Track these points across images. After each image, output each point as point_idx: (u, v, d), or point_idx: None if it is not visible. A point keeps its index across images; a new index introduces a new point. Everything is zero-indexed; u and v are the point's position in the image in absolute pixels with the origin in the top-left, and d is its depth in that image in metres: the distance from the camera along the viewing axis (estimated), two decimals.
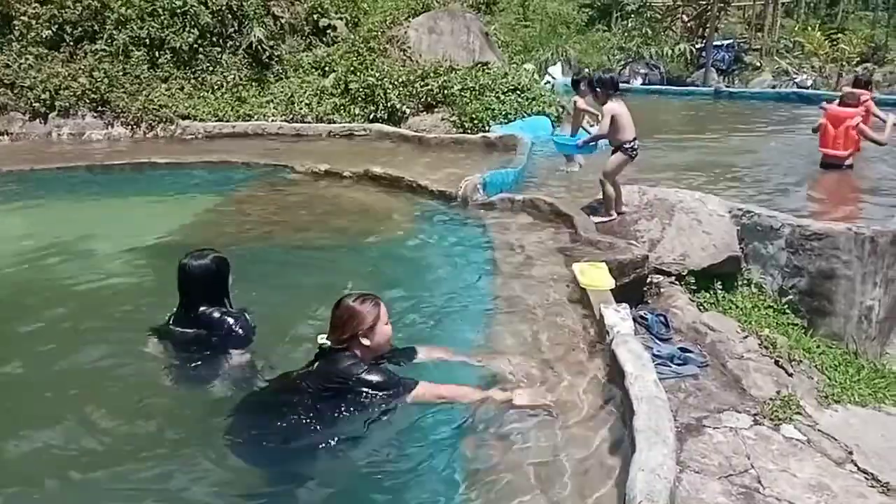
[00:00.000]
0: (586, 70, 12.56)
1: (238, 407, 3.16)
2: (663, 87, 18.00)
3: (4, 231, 6.53)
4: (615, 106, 5.64)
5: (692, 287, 5.30)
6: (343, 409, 3.04)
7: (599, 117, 5.89)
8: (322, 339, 3.19)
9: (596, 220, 5.79)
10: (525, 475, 2.79)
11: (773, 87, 18.18)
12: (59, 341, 4.09)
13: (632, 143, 5.73)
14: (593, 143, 6.11)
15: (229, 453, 2.97)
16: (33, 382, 3.67)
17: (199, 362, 3.64)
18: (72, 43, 11.09)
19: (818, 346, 5.00)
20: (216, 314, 3.65)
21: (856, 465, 3.49)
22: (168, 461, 3.04)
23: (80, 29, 11.07)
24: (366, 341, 3.15)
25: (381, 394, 3.05)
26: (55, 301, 4.75)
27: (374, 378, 3.07)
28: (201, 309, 3.65)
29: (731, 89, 16.75)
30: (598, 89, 5.77)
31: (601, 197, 5.99)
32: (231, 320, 3.64)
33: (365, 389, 3.05)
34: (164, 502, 2.85)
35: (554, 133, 9.86)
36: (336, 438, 2.99)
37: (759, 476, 3.34)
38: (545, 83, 13.39)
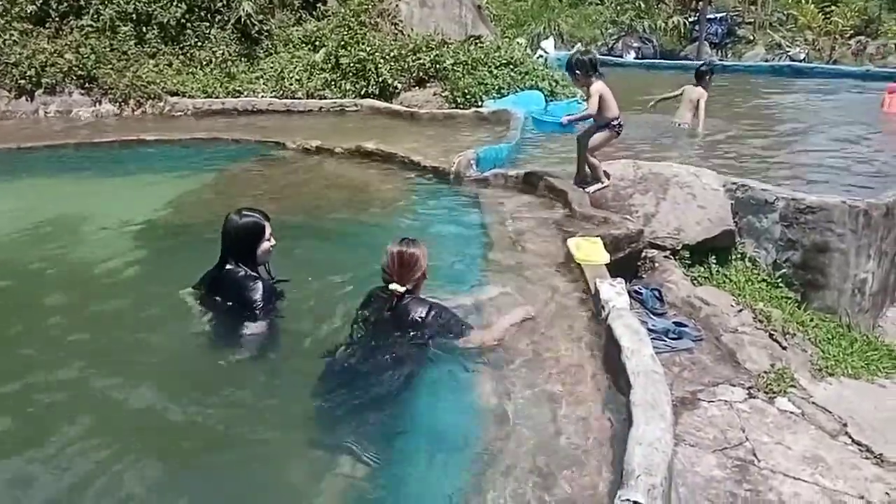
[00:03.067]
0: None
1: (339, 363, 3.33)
2: (656, 61, 17.91)
3: None
4: (600, 85, 5.65)
5: (686, 261, 5.29)
6: (412, 350, 3.35)
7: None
8: (395, 287, 3.46)
9: (591, 189, 5.76)
10: (523, 449, 2.78)
11: (767, 60, 18.12)
12: (55, 319, 4.04)
13: (618, 120, 5.78)
14: (577, 122, 5.97)
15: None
16: (34, 362, 3.61)
17: (217, 322, 3.77)
18: (57, 18, 10.89)
19: (812, 320, 5.02)
20: (240, 273, 3.72)
21: (850, 437, 3.52)
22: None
23: (65, 4, 10.88)
24: (425, 281, 3.56)
25: (450, 335, 3.42)
26: (47, 280, 4.71)
27: (451, 319, 3.46)
28: (227, 267, 3.75)
29: (724, 63, 16.66)
30: (577, 72, 5.70)
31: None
32: (249, 283, 3.69)
33: (441, 331, 3.41)
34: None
35: (547, 108, 9.77)
36: (413, 380, 3.25)
37: (754, 449, 3.37)
38: (538, 57, 13.29)
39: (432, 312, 3.42)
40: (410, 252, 3.50)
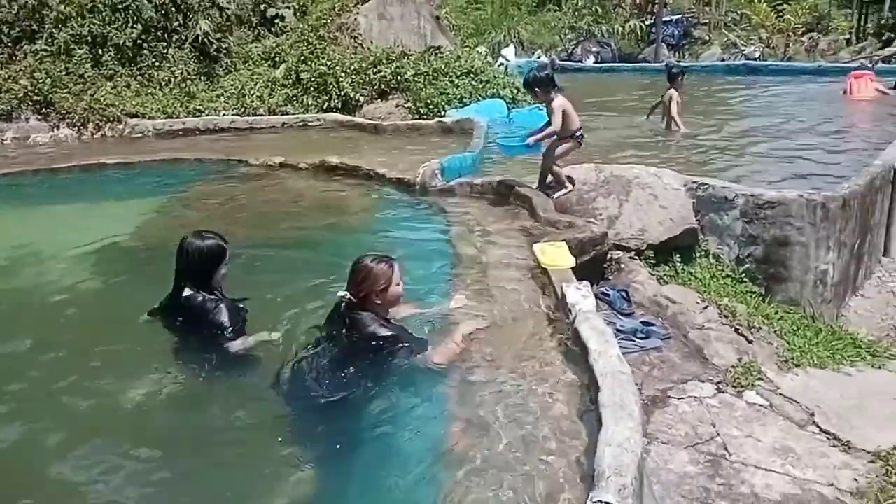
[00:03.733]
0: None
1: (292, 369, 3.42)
2: (616, 65, 18.16)
3: None
4: (561, 100, 5.70)
5: (651, 261, 5.36)
6: (367, 364, 3.37)
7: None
8: (341, 293, 3.54)
9: (557, 194, 5.80)
10: (495, 453, 2.78)
11: (723, 59, 18.46)
12: (19, 349, 3.95)
13: (580, 131, 5.88)
14: (542, 141, 5.93)
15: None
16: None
17: (184, 344, 3.76)
18: (10, 44, 10.72)
19: (776, 313, 5.10)
20: (199, 298, 3.66)
21: (818, 426, 3.58)
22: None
23: (17, 29, 10.73)
24: (377, 300, 3.50)
25: (408, 355, 3.42)
26: (9, 309, 4.62)
27: (390, 335, 3.43)
28: (186, 293, 3.68)
29: (682, 64, 16.93)
30: (537, 89, 5.72)
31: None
32: (213, 307, 3.65)
33: (385, 346, 3.41)
34: None
35: (510, 116, 9.86)
36: (359, 391, 3.27)
37: (725, 443, 3.41)
38: (499, 65, 13.40)
39: (385, 332, 3.44)
40: (364, 264, 3.55)
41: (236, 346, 3.62)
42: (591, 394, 2.96)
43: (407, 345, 3.44)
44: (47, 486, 2.90)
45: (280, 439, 3.12)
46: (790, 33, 19.22)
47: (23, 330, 4.28)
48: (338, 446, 3.04)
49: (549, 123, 5.76)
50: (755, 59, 17.74)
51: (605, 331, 3.27)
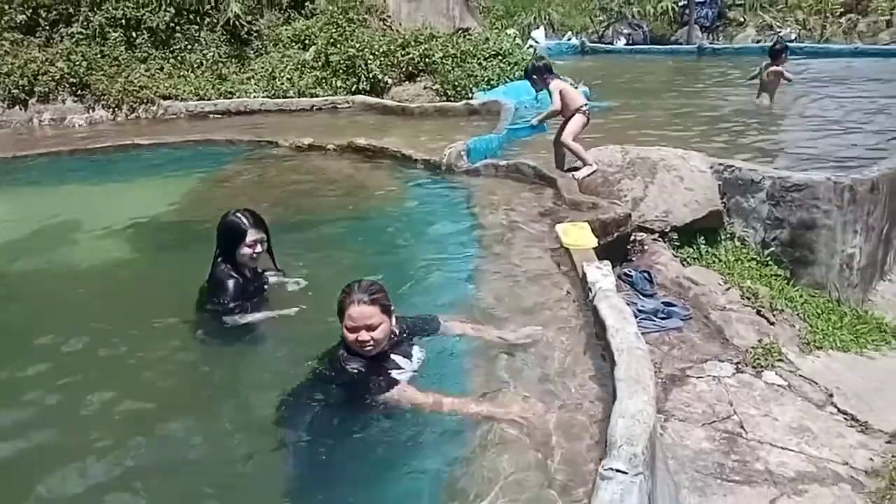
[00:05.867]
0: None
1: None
2: (647, 47, 17.96)
3: None
4: (558, 83, 6.06)
5: (675, 243, 5.38)
6: (335, 396, 3.07)
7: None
8: None
9: (580, 175, 5.84)
10: (512, 427, 2.85)
11: (758, 41, 18.13)
12: (58, 324, 4.10)
13: (586, 105, 6.08)
14: (546, 120, 6.36)
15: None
16: (41, 370, 3.67)
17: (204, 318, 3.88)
18: (47, 27, 10.99)
19: (801, 296, 5.10)
20: (216, 269, 3.86)
21: (836, 406, 3.60)
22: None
23: (54, 12, 10.98)
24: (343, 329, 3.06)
25: (359, 388, 3.02)
26: (46, 284, 4.81)
27: (349, 372, 3.02)
28: (217, 261, 3.89)
29: (714, 46, 16.71)
30: (534, 77, 6.06)
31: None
32: (223, 279, 3.82)
33: (346, 381, 3.04)
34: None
35: (537, 98, 9.85)
36: (331, 418, 3.05)
37: (742, 421, 3.45)
38: (528, 47, 13.35)
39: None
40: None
41: (229, 320, 3.78)
42: (609, 369, 3.01)
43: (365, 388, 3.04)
44: (84, 436, 3.10)
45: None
46: (828, 14, 18.79)
47: (60, 302, 4.48)
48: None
49: None
50: (791, 41, 17.39)
51: (623, 309, 3.31)
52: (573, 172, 5.95)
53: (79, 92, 10.71)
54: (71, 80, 10.61)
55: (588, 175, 5.86)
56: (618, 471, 2.21)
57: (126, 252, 5.44)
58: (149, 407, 3.33)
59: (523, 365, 3.32)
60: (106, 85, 10.56)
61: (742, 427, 3.40)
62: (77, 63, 10.61)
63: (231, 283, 3.82)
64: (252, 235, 3.85)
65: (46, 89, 10.57)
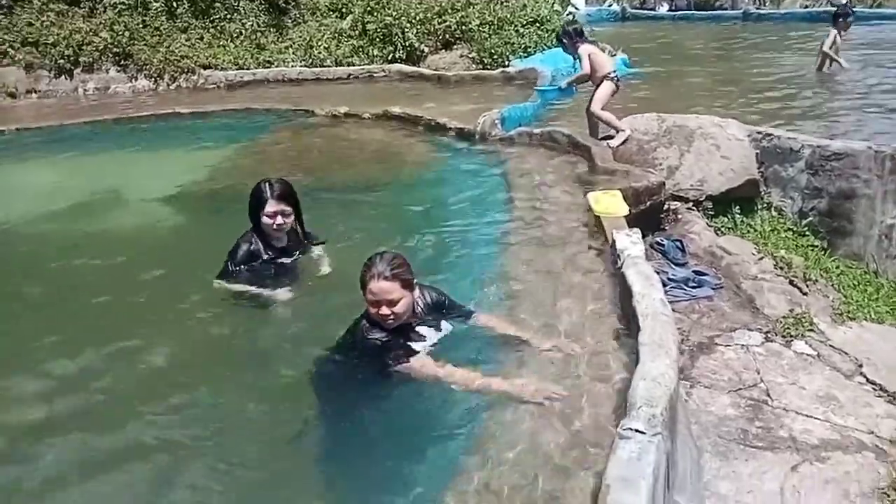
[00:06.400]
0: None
1: None
2: (690, 13, 17.56)
3: (40, 185, 6.76)
4: (587, 47, 6.13)
5: (710, 213, 5.33)
6: (357, 365, 3.12)
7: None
8: None
9: (614, 143, 5.82)
10: (542, 386, 2.89)
11: (805, 6, 17.58)
12: (103, 287, 4.28)
13: (615, 72, 6.13)
14: (574, 85, 6.58)
15: None
16: (90, 329, 3.85)
17: None
18: None
19: (837, 267, 5.02)
20: (244, 231, 3.99)
21: (865, 377, 3.57)
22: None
23: None
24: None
25: (379, 357, 3.05)
26: (90, 247, 4.98)
27: (370, 343, 3.06)
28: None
29: (760, 11, 16.24)
30: (564, 41, 6.20)
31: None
32: (237, 241, 3.97)
33: (367, 351, 3.08)
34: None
35: (575, 66, 9.75)
36: (352, 386, 3.13)
37: (768, 389, 3.45)
38: (567, 14, 13.16)
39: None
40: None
41: (217, 281, 3.93)
42: (633, 334, 3.04)
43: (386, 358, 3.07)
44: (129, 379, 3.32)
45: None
46: None
47: (100, 265, 4.66)
48: None
49: None
50: (841, 6, 16.81)
51: (650, 275, 3.33)
52: (608, 141, 5.91)
53: (122, 62, 10.90)
54: (114, 50, 10.80)
55: (622, 142, 5.83)
56: (636, 430, 2.26)
57: (165, 217, 5.61)
58: (178, 368, 3.45)
59: (550, 331, 3.36)
60: (148, 55, 10.74)
61: (768, 395, 3.40)
62: (120, 33, 10.80)
63: (243, 247, 3.90)
64: (272, 206, 3.84)
65: (91, 59, 10.78)
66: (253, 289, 3.90)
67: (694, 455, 3.04)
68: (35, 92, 10.63)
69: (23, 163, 7.61)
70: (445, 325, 3.30)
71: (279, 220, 3.87)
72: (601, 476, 2.19)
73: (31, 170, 7.40)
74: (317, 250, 4.26)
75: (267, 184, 3.89)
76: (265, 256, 3.96)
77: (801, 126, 6.41)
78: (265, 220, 3.88)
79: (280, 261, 4.02)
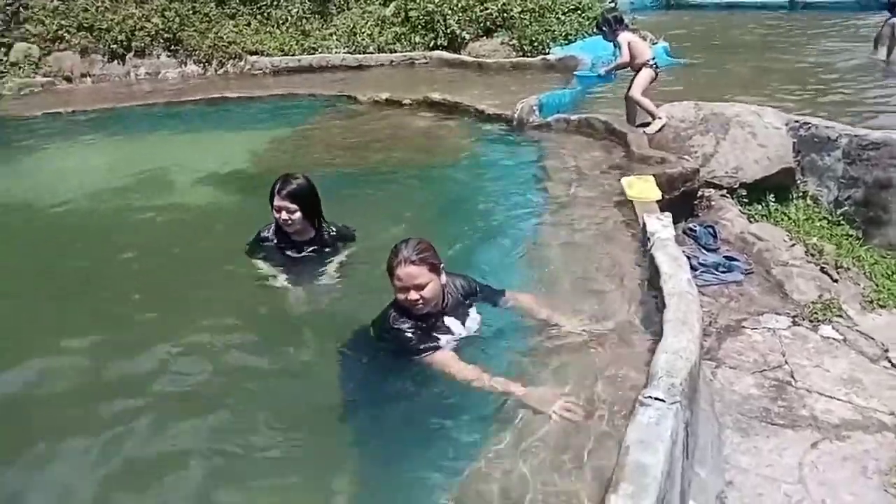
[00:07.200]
0: None
1: None
2: (736, 1, 17.25)
3: (93, 165, 7.10)
4: (627, 35, 6.23)
5: (744, 200, 5.38)
6: (382, 353, 3.19)
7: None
8: None
9: (650, 130, 5.89)
10: (572, 362, 3.03)
11: None
12: (152, 263, 4.53)
13: (654, 59, 6.24)
14: (614, 72, 6.66)
15: None
16: (138, 305, 4.03)
17: None
18: None
19: (871, 256, 5.03)
20: None
21: (890, 361, 3.63)
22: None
23: None
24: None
25: (404, 347, 3.08)
26: (143, 225, 5.26)
27: (397, 332, 3.09)
28: None
29: (807, 0, 15.90)
30: (604, 29, 6.30)
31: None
32: None
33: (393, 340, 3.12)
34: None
35: (615, 53, 9.76)
36: (377, 376, 3.19)
37: (793, 371, 3.54)
38: (609, 2, 13.11)
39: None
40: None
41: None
42: (660, 312, 3.14)
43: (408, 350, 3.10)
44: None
45: None
46: None
47: (147, 243, 4.91)
48: None
49: None
50: None
51: (678, 257, 3.43)
52: (644, 128, 5.98)
53: (172, 47, 11.25)
54: (165, 35, 11.16)
55: (658, 129, 5.89)
56: (656, 398, 2.39)
57: (210, 199, 5.83)
58: (210, 344, 3.59)
59: (580, 313, 3.45)
60: (197, 40, 11.07)
61: (792, 376, 3.49)
62: (170, 19, 11.15)
63: (260, 230, 4.15)
64: (276, 201, 3.94)
65: (142, 44, 11.16)
66: (264, 268, 4.11)
67: (715, 430, 3.16)
68: (89, 76, 11.04)
69: (77, 144, 7.97)
70: (473, 317, 3.30)
71: (283, 215, 3.96)
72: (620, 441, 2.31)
73: (84, 151, 7.75)
74: (339, 256, 4.25)
75: (281, 179, 3.99)
76: (273, 242, 4.14)
77: (842, 115, 6.36)
78: (273, 213, 4.00)
79: (287, 252, 4.14)
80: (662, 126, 5.89)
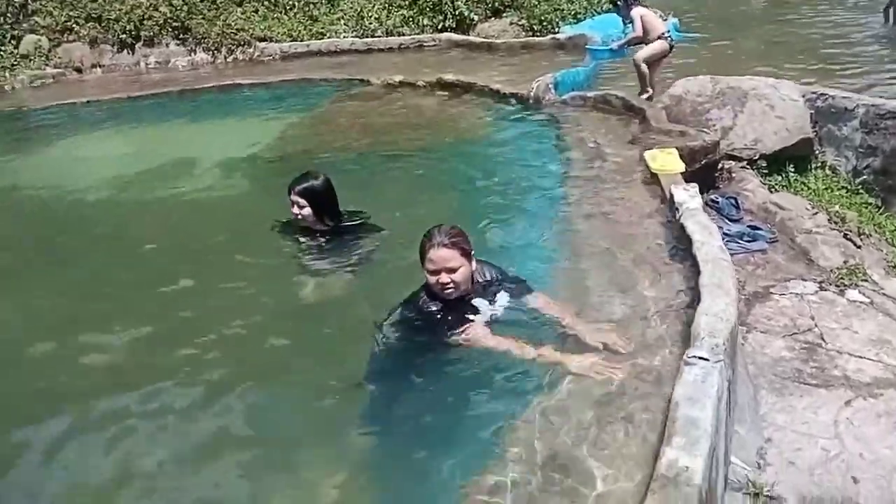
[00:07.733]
0: None
1: None
2: None
3: (109, 154, 7.16)
4: (641, 10, 6.48)
5: (764, 171, 5.43)
6: (413, 333, 3.21)
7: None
8: None
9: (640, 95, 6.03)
10: (607, 327, 3.09)
11: None
12: (169, 250, 4.55)
13: (668, 32, 6.47)
14: (626, 46, 6.87)
15: None
16: (156, 292, 4.03)
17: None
18: None
19: (892, 223, 5.10)
20: None
21: None
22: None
23: None
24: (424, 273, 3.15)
25: (436, 327, 3.12)
26: (160, 212, 5.32)
27: (427, 312, 3.15)
28: None
29: None
30: (619, 4, 6.61)
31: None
32: None
33: (425, 322, 3.16)
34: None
35: (625, 31, 9.78)
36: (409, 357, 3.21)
37: (822, 333, 3.62)
38: None
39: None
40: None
41: None
42: (694, 282, 3.20)
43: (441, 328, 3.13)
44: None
45: None
46: None
47: (165, 229, 4.96)
48: None
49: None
50: None
51: (708, 225, 3.50)
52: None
53: (181, 35, 11.30)
54: (173, 24, 11.20)
55: (646, 97, 6.03)
56: (700, 358, 2.47)
57: (230, 185, 5.88)
58: (236, 329, 3.61)
59: (611, 284, 3.52)
60: (206, 28, 11.10)
61: (822, 339, 3.57)
62: (178, 7, 11.19)
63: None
64: (290, 196, 4.10)
65: (151, 34, 11.21)
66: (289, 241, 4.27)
67: (750, 391, 3.24)
68: (99, 66, 11.11)
69: (93, 134, 8.05)
70: (502, 298, 3.29)
71: (295, 209, 4.11)
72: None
73: (101, 140, 7.81)
74: (363, 245, 4.26)
75: (300, 175, 4.13)
76: (291, 227, 4.29)
77: (858, 85, 6.42)
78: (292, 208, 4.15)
79: (296, 235, 4.27)
80: (648, 97, 6.00)
